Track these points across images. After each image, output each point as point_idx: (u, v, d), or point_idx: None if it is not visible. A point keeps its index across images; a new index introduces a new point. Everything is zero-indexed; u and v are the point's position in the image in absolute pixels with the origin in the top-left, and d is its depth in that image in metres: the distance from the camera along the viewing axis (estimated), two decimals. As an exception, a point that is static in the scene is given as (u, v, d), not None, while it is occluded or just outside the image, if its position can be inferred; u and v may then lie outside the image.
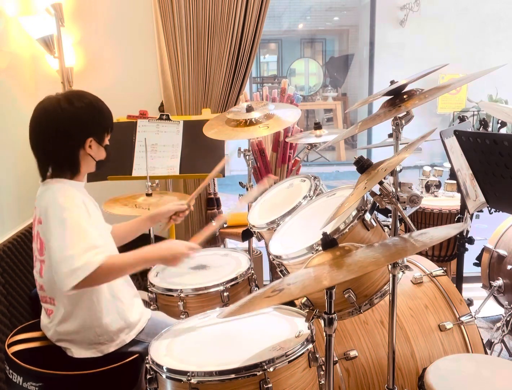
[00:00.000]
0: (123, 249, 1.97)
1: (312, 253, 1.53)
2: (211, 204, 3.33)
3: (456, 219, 2.52)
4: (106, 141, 1.79)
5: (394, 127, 1.57)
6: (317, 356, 1.47)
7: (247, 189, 2.73)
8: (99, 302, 1.70)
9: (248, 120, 2.47)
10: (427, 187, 3.20)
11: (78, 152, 1.72)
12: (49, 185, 1.69)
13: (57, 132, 1.68)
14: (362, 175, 1.51)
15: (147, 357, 1.51)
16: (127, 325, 1.76)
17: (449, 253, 3.06)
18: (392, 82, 1.60)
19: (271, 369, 1.36)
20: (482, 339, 1.96)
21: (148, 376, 1.47)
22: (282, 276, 1.70)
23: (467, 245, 2.47)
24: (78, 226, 1.57)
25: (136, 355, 1.73)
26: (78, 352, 1.71)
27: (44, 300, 1.76)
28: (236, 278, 2.07)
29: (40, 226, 1.67)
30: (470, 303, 2.50)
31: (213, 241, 3.36)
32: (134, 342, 1.77)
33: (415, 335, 1.90)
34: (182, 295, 1.99)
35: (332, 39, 11.82)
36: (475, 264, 3.03)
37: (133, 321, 1.78)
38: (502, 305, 2.84)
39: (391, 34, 8.89)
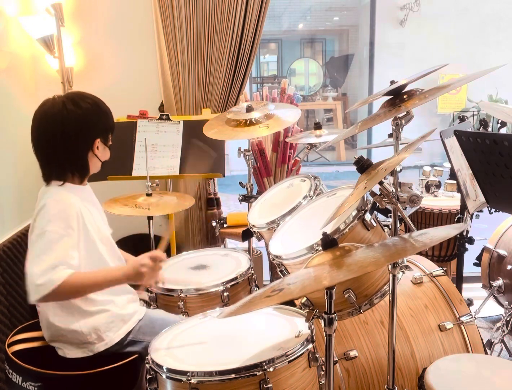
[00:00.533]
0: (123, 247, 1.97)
1: (312, 253, 1.53)
2: (211, 204, 3.33)
3: (456, 219, 2.51)
4: (110, 142, 1.77)
5: (394, 127, 1.57)
6: (317, 356, 1.47)
7: (247, 189, 2.72)
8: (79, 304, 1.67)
9: (248, 120, 2.46)
10: (427, 187, 3.20)
11: (87, 155, 1.69)
12: (50, 188, 1.67)
13: (64, 135, 1.63)
14: (362, 175, 1.51)
15: (147, 357, 1.51)
16: (114, 324, 1.73)
17: (449, 253, 3.06)
18: (392, 82, 1.60)
19: (271, 369, 1.36)
20: (482, 339, 1.96)
21: (148, 376, 1.47)
22: (282, 276, 1.69)
23: (467, 245, 2.46)
24: (55, 241, 1.53)
25: (136, 355, 1.73)
26: (69, 353, 1.70)
27: None
28: (236, 278, 2.07)
29: (30, 229, 1.65)
30: (470, 303, 2.50)
31: (213, 241, 3.36)
32: (131, 342, 1.76)
33: (415, 335, 1.89)
34: (182, 295, 1.99)
35: (332, 39, 11.82)
36: (475, 264, 3.02)
37: (122, 319, 1.76)
38: (502, 305, 2.84)
39: (391, 34, 8.89)
